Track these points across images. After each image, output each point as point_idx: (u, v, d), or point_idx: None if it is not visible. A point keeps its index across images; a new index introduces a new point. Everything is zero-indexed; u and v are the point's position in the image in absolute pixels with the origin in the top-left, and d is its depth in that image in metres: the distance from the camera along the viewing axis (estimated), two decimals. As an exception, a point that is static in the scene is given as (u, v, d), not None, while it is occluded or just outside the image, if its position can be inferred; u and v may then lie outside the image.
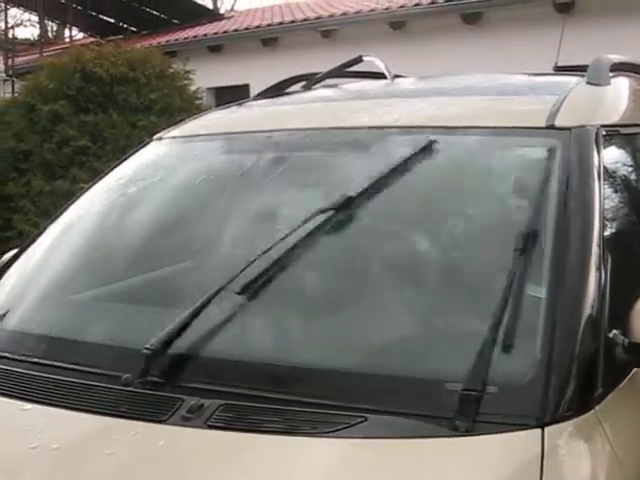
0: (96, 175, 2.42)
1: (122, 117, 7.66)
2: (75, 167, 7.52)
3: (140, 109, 7.80)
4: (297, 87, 2.72)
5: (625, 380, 1.50)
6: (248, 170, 2.07)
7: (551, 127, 1.80)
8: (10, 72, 13.31)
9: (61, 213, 2.23)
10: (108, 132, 7.58)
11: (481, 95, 2.19)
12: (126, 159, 2.35)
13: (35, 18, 20.17)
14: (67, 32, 16.50)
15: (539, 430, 1.29)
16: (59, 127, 7.67)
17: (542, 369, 1.37)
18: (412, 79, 2.74)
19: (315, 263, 1.77)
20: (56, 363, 1.64)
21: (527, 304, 1.47)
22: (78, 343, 1.71)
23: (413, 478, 1.27)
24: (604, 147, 1.78)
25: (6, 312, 1.86)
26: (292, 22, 11.60)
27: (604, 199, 1.66)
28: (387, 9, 10.58)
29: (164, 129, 2.47)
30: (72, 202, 2.26)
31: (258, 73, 8.50)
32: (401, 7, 10.44)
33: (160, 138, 2.38)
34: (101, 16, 14.41)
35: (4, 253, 2.32)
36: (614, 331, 1.47)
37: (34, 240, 2.18)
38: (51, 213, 2.49)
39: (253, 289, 1.62)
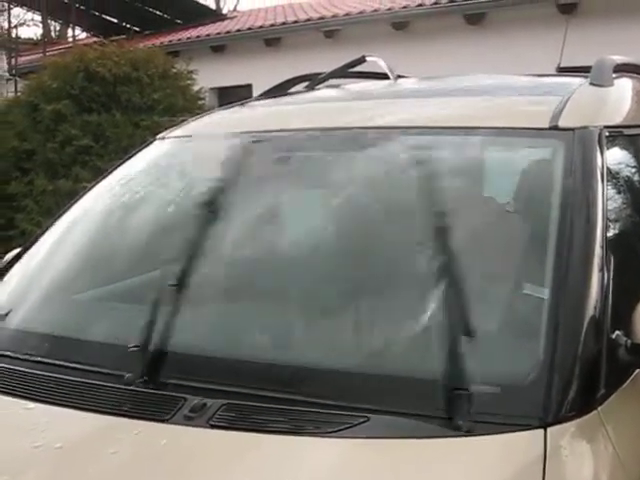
0: (99, 174, 2.42)
1: (125, 117, 7.67)
2: (78, 166, 7.53)
3: (143, 109, 7.81)
4: (300, 87, 2.72)
5: (628, 381, 1.50)
6: (251, 170, 2.07)
7: (554, 128, 1.80)
8: (13, 71, 13.34)
9: (64, 212, 2.23)
10: (111, 132, 7.58)
11: (484, 96, 2.19)
12: (129, 159, 2.35)
13: (38, 18, 20.28)
14: (70, 32, 16.60)
15: (542, 430, 1.29)
16: (62, 127, 7.68)
17: (545, 369, 1.36)
18: (415, 79, 2.74)
19: (318, 264, 1.77)
20: (59, 362, 1.64)
21: (529, 305, 1.47)
22: (81, 342, 1.71)
23: (415, 478, 1.27)
24: (607, 148, 1.78)
25: (9, 311, 1.86)
26: (295, 22, 11.59)
27: (607, 200, 1.66)
28: (390, 9, 10.57)
29: (167, 129, 2.47)
30: (75, 201, 2.26)
31: (261, 73, 8.50)
32: (404, 7, 10.43)
33: (163, 138, 2.38)
34: (104, 16, 14.43)
35: (7, 252, 2.32)
36: (617, 332, 1.47)
37: (37, 239, 2.18)
38: (54, 212, 2.49)
39: (257, 289, 1.62)
